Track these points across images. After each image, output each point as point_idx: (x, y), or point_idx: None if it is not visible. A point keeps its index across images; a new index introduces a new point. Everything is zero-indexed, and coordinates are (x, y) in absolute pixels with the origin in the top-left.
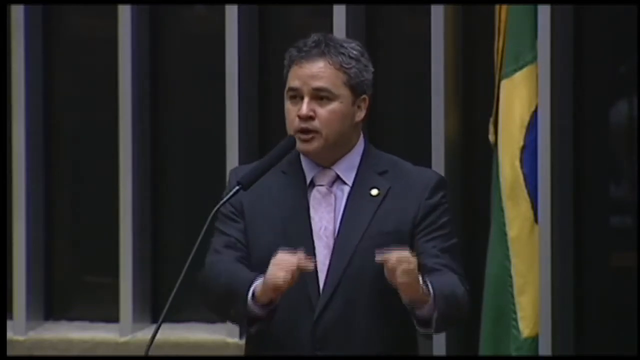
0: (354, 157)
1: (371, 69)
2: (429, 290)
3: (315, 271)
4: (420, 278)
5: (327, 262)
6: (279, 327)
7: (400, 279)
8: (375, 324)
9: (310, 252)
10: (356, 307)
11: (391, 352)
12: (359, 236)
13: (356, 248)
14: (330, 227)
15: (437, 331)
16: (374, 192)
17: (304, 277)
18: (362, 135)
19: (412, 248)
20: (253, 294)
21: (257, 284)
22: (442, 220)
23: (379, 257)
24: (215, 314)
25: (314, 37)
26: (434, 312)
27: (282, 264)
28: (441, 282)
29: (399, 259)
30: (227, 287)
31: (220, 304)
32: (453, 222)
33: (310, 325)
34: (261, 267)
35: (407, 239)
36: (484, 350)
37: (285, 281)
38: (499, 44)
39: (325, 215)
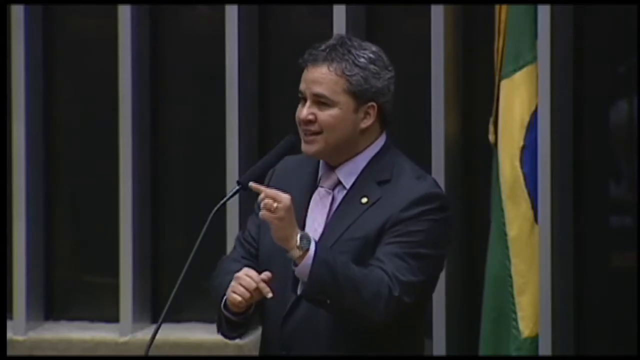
0: (360, 162)
1: (386, 75)
2: (306, 247)
3: None
4: (299, 236)
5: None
6: (264, 326)
7: (261, 213)
8: (339, 327)
9: None
10: (320, 310)
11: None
12: (332, 241)
13: None
14: (320, 230)
15: (310, 295)
16: (364, 200)
17: (286, 278)
18: (380, 140)
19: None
20: (226, 302)
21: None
22: (410, 229)
23: (252, 184)
24: None
25: (331, 40)
26: (306, 274)
27: (243, 282)
28: (342, 260)
29: (264, 195)
30: (214, 291)
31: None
32: (433, 235)
33: (279, 326)
34: (261, 266)
35: (369, 246)
36: (484, 350)
37: (241, 300)
38: (499, 44)
39: (318, 218)
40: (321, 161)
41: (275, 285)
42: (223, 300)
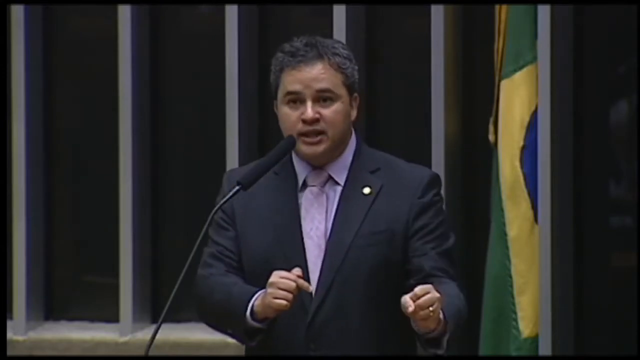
0: (347, 156)
1: (356, 68)
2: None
3: (307, 272)
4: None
5: (318, 263)
6: (279, 326)
7: (423, 324)
8: (369, 323)
9: (301, 253)
10: (350, 306)
11: (386, 351)
12: (351, 235)
13: (349, 247)
14: (322, 227)
15: (446, 350)
16: (366, 190)
17: None
18: (354, 134)
19: (405, 248)
20: (252, 310)
21: (256, 302)
22: (436, 221)
23: (404, 306)
24: (211, 327)
25: (303, 40)
26: (446, 334)
27: (282, 285)
28: (447, 300)
29: (419, 306)
30: (223, 306)
31: (218, 322)
32: (447, 220)
33: (304, 326)
34: (254, 275)
35: (399, 239)
36: (484, 350)
37: (287, 304)
38: (499, 44)
39: (316, 216)
40: (299, 163)
41: None
42: (248, 311)
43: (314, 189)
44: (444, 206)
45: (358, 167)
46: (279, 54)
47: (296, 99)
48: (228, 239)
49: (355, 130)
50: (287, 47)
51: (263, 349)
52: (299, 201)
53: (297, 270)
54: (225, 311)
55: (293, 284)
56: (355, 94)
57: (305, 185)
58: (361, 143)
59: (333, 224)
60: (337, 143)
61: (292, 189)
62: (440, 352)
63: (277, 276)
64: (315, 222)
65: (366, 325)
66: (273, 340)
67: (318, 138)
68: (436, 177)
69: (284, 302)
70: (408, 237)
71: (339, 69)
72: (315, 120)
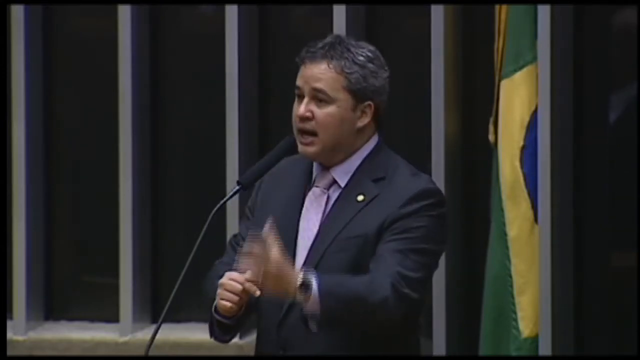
0: (355, 161)
1: (383, 75)
2: (309, 292)
3: None
4: (301, 275)
5: (302, 264)
6: (260, 326)
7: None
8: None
9: (292, 253)
10: None
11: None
12: (330, 239)
13: (325, 251)
14: (315, 230)
15: (327, 326)
16: (360, 198)
17: None
18: (373, 139)
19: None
20: (217, 306)
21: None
22: (410, 225)
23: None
24: None
25: (328, 38)
26: (318, 310)
27: (228, 287)
28: (343, 282)
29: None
30: (204, 296)
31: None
32: (433, 230)
33: (276, 326)
34: None
35: (369, 244)
36: (484, 350)
37: (231, 306)
38: (499, 44)
39: (313, 217)
40: (315, 162)
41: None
42: (213, 305)
43: (317, 190)
44: (433, 219)
45: (362, 174)
46: (304, 48)
47: (299, 94)
48: (246, 228)
49: (379, 137)
50: (312, 42)
51: (255, 347)
52: (305, 200)
53: (248, 273)
54: (205, 302)
55: (239, 287)
56: (369, 102)
57: (314, 185)
58: (378, 149)
59: (320, 227)
60: (331, 146)
61: (303, 187)
62: (312, 328)
63: (226, 277)
64: (310, 223)
65: (334, 330)
66: (258, 338)
67: (310, 139)
68: (427, 191)
69: (228, 304)
70: (378, 243)
71: (342, 72)
72: (306, 118)
